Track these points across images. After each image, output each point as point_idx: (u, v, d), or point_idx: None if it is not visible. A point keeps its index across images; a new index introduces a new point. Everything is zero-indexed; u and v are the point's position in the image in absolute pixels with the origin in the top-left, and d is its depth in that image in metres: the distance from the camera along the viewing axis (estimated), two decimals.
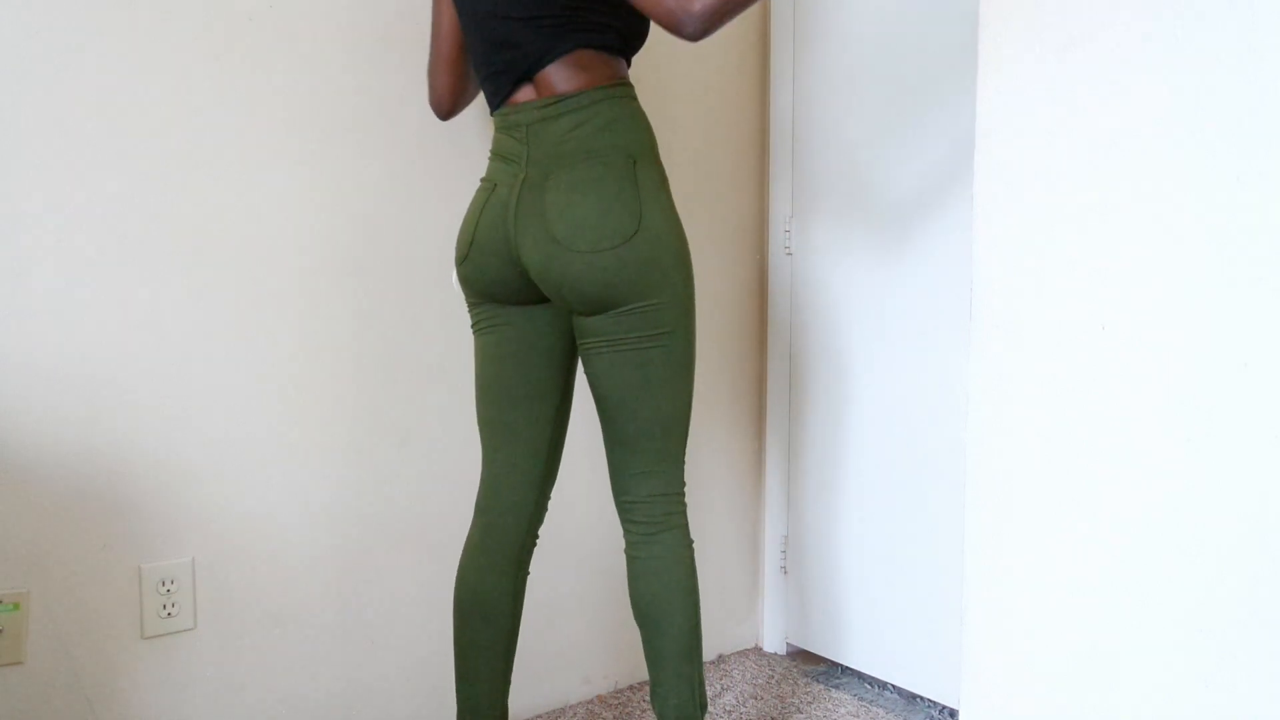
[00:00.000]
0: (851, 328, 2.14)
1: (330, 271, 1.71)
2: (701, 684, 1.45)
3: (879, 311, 2.08)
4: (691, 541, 1.45)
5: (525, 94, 1.37)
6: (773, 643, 2.36)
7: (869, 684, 2.17)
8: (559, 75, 1.34)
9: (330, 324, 1.71)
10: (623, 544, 2.05)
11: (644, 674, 2.17)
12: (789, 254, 2.28)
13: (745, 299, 2.30)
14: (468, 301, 1.48)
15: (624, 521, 1.46)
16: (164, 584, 1.56)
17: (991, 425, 1.31)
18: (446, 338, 1.84)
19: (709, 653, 2.30)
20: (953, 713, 2.01)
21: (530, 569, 1.96)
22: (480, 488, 1.50)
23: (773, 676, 2.21)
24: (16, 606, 1.45)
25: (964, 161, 1.90)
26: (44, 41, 1.44)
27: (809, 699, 2.09)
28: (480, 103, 1.85)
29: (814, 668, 2.26)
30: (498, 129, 1.41)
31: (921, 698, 2.07)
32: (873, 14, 2.07)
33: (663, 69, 2.11)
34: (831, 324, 2.18)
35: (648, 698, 2.08)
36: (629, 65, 1.43)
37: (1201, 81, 1.08)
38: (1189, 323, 1.10)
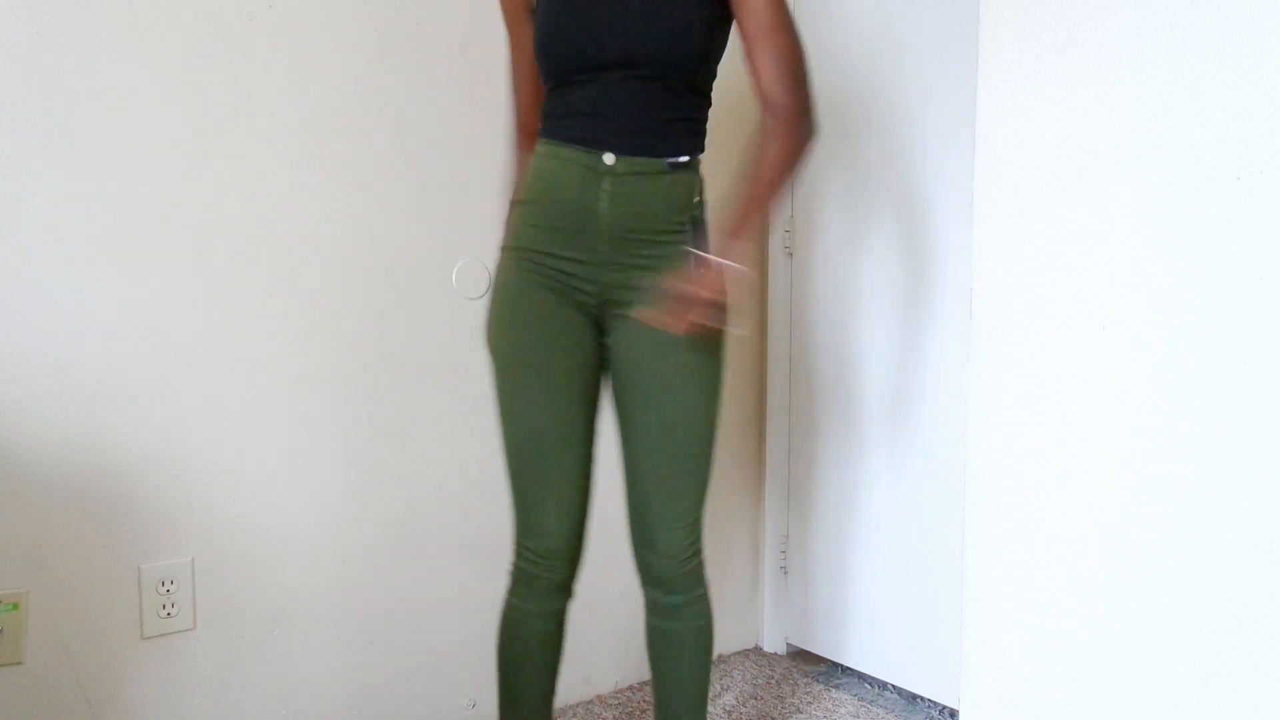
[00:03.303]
0: (851, 327, 2.14)
1: (330, 271, 1.71)
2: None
3: (879, 311, 2.08)
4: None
5: None
6: (773, 643, 2.36)
7: (869, 684, 2.17)
8: None
9: (330, 324, 1.71)
10: (623, 544, 2.05)
11: (644, 675, 2.17)
12: (789, 254, 2.27)
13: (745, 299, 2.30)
14: None
15: (655, 583, 1.43)
16: (164, 584, 1.56)
17: (992, 425, 1.31)
18: (447, 338, 1.84)
19: None
20: (953, 713, 2.01)
21: None
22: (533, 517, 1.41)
23: (773, 676, 2.21)
24: (16, 606, 1.45)
25: (965, 161, 1.90)
26: (46, 43, 1.44)
27: (809, 699, 2.09)
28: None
29: (814, 668, 2.26)
30: None
31: (922, 698, 2.07)
32: (873, 13, 2.07)
33: None
34: (831, 324, 2.18)
35: (648, 698, 2.08)
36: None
37: (1201, 81, 1.08)
38: (1189, 323, 1.10)
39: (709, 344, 1.35)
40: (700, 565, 1.44)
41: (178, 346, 1.57)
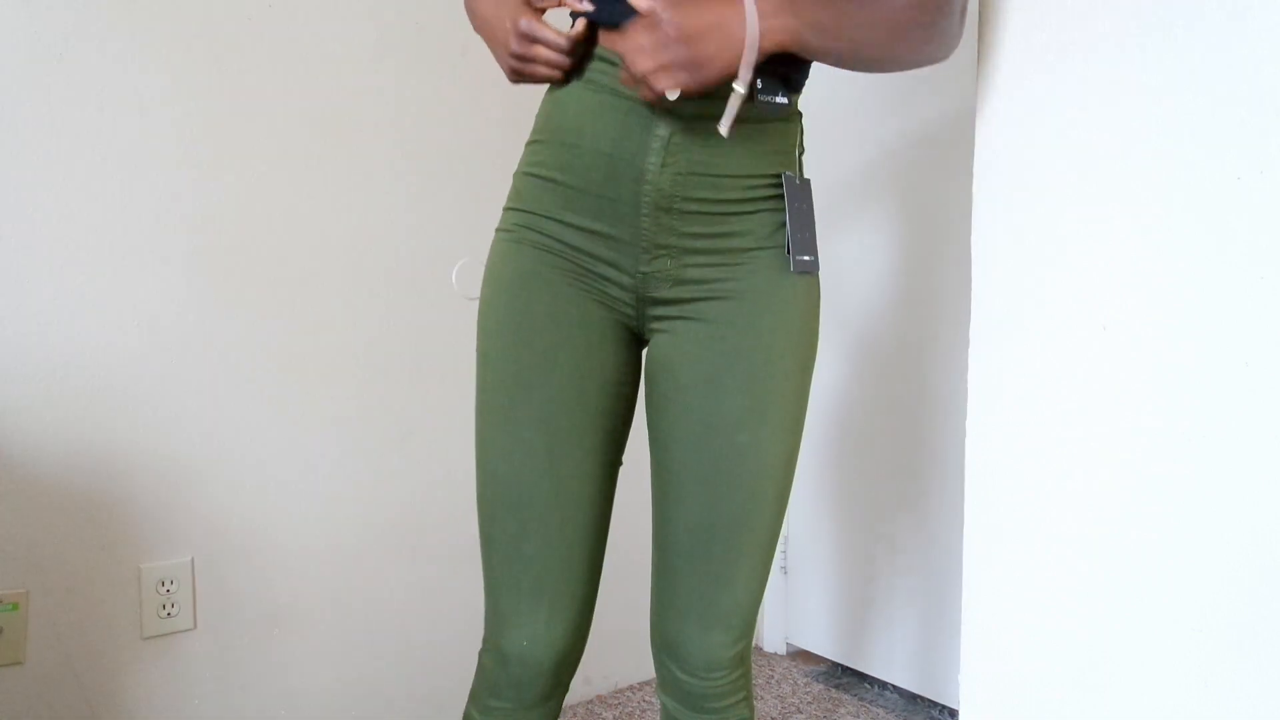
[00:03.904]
0: (850, 328, 2.14)
1: (331, 271, 1.70)
2: None
3: (877, 311, 2.08)
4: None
5: None
6: (773, 643, 2.36)
7: (869, 684, 2.17)
8: None
9: (330, 324, 1.71)
10: (621, 537, 2.04)
11: (644, 674, 2.17)
12: None
13: None
14: None
15: (678, 695, 1.03)
16: (164, 584, 1.56)
17: (991, 425, 1.31)
18: (447, 337, 1.84)
19: None
20: (953, 713, 2.01)
21: None
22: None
23: (773, 676, 2.21)
24: (16, 606, 1.45)
25: (964, 161, 1.90)
26: (44, 43, 1.44)
27: (809, 699, 2.09)
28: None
29: (814, 668, 2.26)
30: None
31: (921, 698, 2.07)
32: None
33: None
34: (830, 324, 2.18)
35: (648, 698, 2.08)
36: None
37: (1200, 81, 1.08)
38: (1189, 323, 1.10)
39: (795, 363, 0.96)
40: (746, 675, 1.02)
41: (177, 346, 1.57)
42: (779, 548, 2.32)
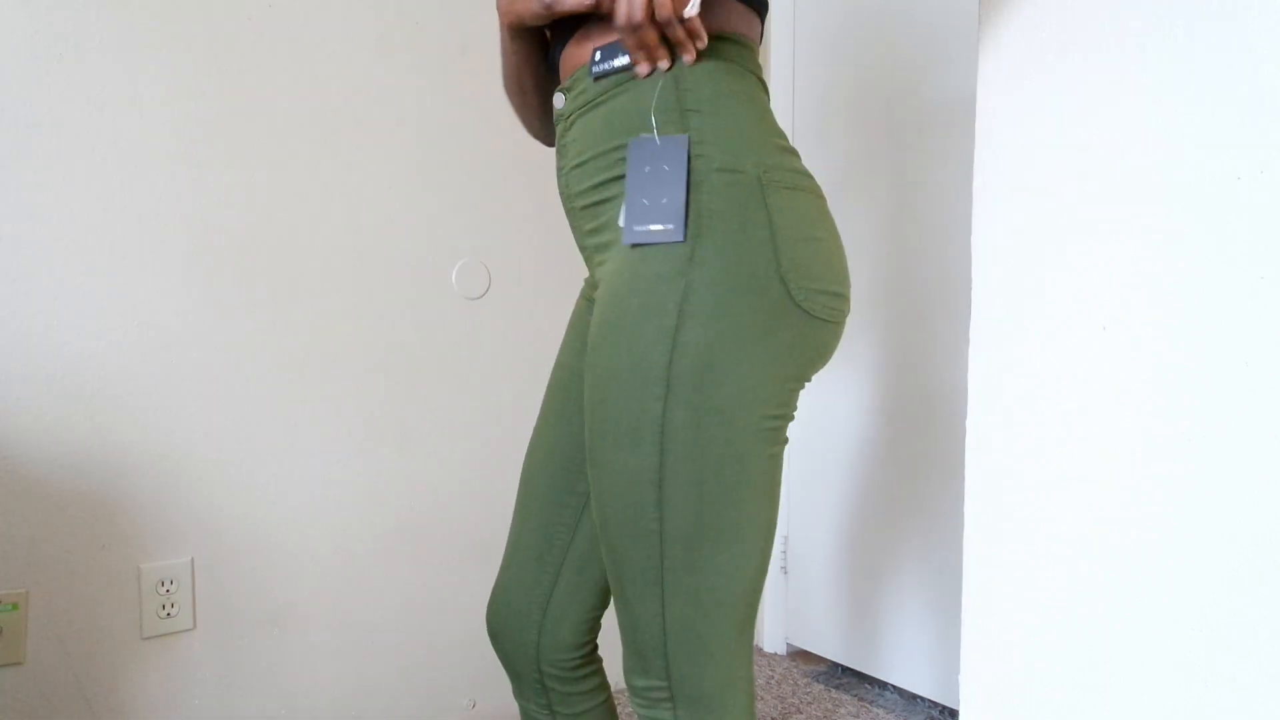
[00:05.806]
0: (851, 327, 2.14)
1: (331, 271, 1.71)
2: None
3: (878, 311, 2.08)
4: None
5: None
6: (773, 643, 2.36)
7: (869, 684, 2.17)
8: None
9: (330, 324, 1.71)
10: None
11: None
12: None
13: None
14: (802, 386, 0.89)
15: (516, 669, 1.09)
16: (163, 584, 1.56)
17: (991, 425, 1.31)
18: (447, 338, 1.84)
19: None
20: (953, 713, 2.01)
21: None
22: None
23: (773, 676, 2.21)
24: (16, 606, 1.45)
25: (964, 160, 1.90)
26: (44, 43, 1.44)
27: (809, 699, 2.09)
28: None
29: (814, 668, 2.26)
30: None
31: (921, 698, 2.07)
32: (873, 16, 2.07)
33: None
34: None
35: None
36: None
37: (1200, 81, 1.08)
38: (1189, 323, 1.09)
39: (624, 360, 0.79)
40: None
41: (177, 346, 1.57)
42: (779, 548, 2.32)
